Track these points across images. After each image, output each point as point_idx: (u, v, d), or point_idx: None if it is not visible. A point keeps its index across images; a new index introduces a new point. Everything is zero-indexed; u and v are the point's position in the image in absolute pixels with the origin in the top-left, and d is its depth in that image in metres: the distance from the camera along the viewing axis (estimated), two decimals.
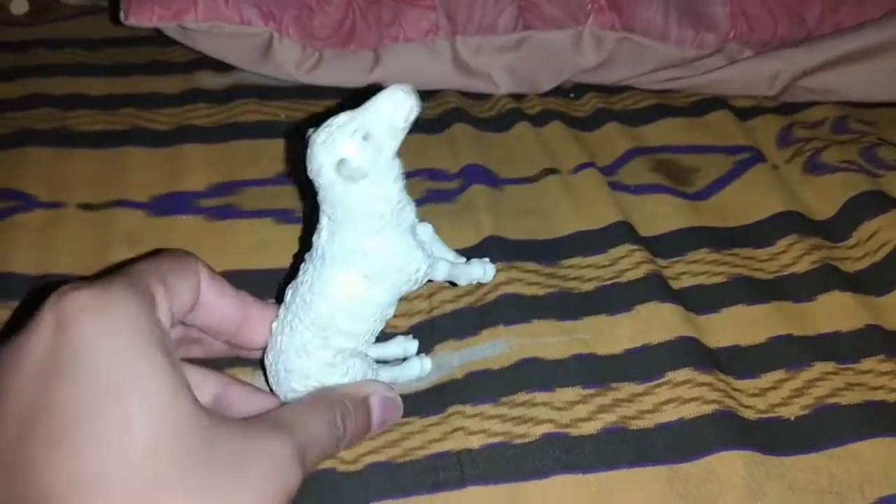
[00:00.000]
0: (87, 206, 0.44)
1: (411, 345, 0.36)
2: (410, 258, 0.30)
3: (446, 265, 0.33)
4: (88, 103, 0.52)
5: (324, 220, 0.30)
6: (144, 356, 0.23)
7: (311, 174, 0.29)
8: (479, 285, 0.39)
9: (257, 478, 0.24)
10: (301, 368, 0.30)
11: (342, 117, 0.28)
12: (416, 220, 0.31)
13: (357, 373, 0.31)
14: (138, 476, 0.22)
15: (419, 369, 0.35)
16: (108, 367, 0.23)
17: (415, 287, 0.31)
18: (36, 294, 0.27)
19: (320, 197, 0.29)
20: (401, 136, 0.29)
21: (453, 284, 0.36)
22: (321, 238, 0.30)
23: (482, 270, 0.34)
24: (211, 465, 0.23)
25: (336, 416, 0.28)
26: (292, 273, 0.32)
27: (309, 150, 0.28)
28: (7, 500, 0.22)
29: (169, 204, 0.44)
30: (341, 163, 0.27)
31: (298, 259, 0.32)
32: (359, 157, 0.28)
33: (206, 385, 0.30)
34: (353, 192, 0.28)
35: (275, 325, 0.31)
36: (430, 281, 0.33)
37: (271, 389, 0.32)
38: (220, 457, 0.23)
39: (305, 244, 0.32)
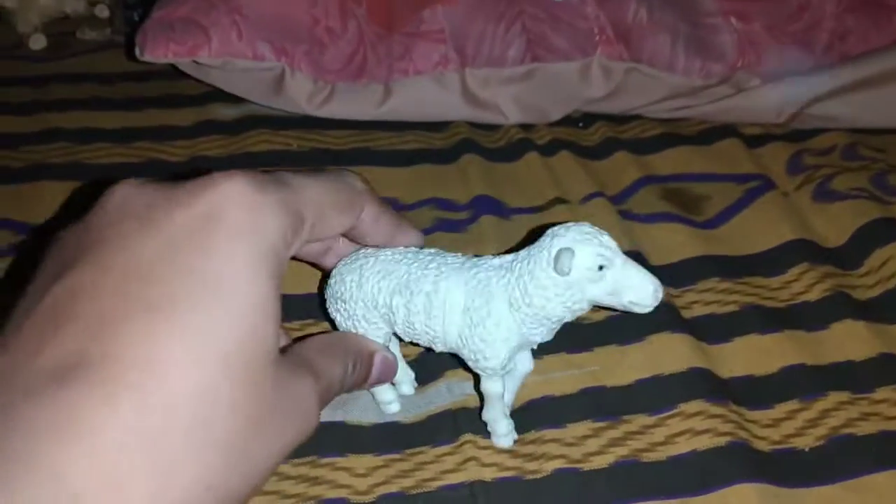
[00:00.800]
0: None
1: (409, 388, 0.37)
2: (495, 347, 0.30)
3: (499, 388, 0.32)
4: (103, 137, 0.53)
5: (507, 259, 0.31)
6: (261, 275, 0.24)
7: (550, 235, 0.29)
8: None
9: (287, 422, 0.24)
10: (363, 279, 0.32)
11: (613, 241, 0.29)
12: (528, 351, 0.33)
13: (374, 334, 0.32)
14: (199, 378, 0.22)
15: (388, 401, 0.35)
16: (228, 268, 0.23)
17: (469, 363, 0.32)
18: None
19: (533, 249, 0.30)
20: (612, 302, 0.29)
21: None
22: (491, 261, 0.31)
23: (504, 432, 0.34)
24: (261, 398, 0.23)
25: (349, 364, 0.29)
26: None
27: (575, 226, 0.29)
28: (83, 340, 0.22)
29: None
30: (569, 253, 0.28)
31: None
32: (579, 269, 0.28)
33: None
34: (544, 273, 0.29)
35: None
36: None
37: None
38: (270, 393, 0.24)
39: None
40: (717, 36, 0.52)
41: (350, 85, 0.52)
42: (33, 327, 0.22)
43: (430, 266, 0.31)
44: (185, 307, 0.22)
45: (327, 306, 0.34)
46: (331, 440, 0.34)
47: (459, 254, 0.32)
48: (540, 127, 0.54)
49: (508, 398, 0.34)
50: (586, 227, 0.29)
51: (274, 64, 0.50)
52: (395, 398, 0.35)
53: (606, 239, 0.29)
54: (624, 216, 0.46)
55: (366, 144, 0.52)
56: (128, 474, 0.20)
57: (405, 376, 0.36)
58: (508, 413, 0.34)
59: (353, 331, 0.33)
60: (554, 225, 0.30)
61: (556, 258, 0.28)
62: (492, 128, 0.54)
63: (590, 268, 0.28)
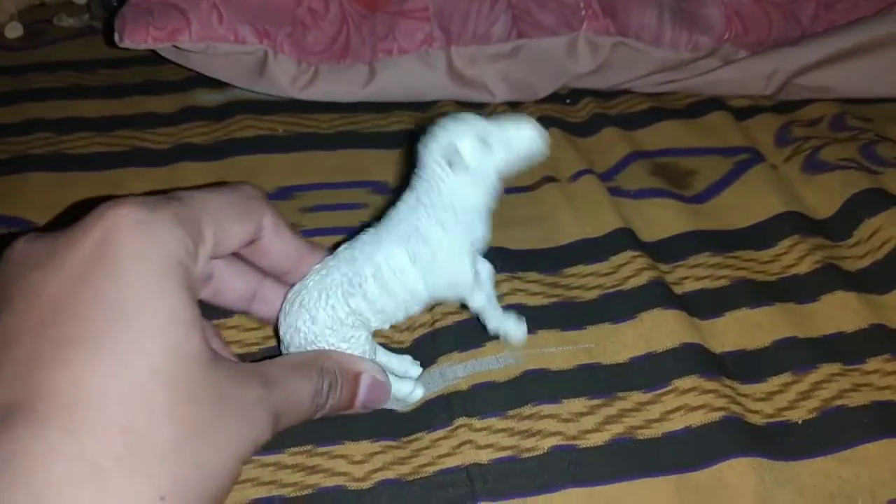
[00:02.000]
0: None
1: (414, 369, 0.36)
2: (459, 268, 0.32)
3: (483, 298, 0.34)
4: (84, 126, 0.52)
5: (409, 198, 0.32)
6: (169, 287, 0.24)
7: (423, 149, 0.31)
8: None
9: (236, 426, 0.25)
10: (313, 310, 0.31)
11: (478, 119, 0.31)
12: (482, 248, 0.33)
13: (357, 346, 0.32)
14: (131, 396, 0.22)
15: (408, 392, 0.35)
16: (134, 287, 0.24)
17: (449, 297, 0.34)
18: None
19: (417, 174, 0.32)
20: (513, 164, 0.32)
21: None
22: (398, 210, 0.32)
23: (515, 327, 0.35)
24: (200, 402, 0.24)
25: (323, 385, 0.29)
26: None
27: (434, 129, 0.31)
28: (11, 387, 0.22)
29: None
30: (454, 150, 0.30)
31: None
32: (470, 154, 0.30)
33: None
34: (448, 182, 0.31)
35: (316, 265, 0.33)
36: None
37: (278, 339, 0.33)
38: (210, 397, 0.24)
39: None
40: (703, 8, 0.52)
41: (334, 66, 0.51)
42: None
43: (356, 254, 0.32)
44: (102, 334, 0.23)
45: (296, 329, 0.32)
46: (327, 428, 0.34)
47: (364, 231, 0.33)
48: (527, 104, 0.54)
49: (493, 303, 0.35)
50: (446, 123, 0.31)
51: (256, 47, 0.49)
52: (412, 386, 0.35)
53: (473, 117, 0.31)
54: (613, 193, 0.46)
55: (352, 127, 0.52)
56: None
57: (403, 364, 0.36)
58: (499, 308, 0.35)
59: (335, 345, 0.32)
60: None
61: (449, 161, 0.30)
62: (479, 106, 0.54)
63: (477, 150, 0.30)
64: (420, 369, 0.36)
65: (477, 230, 0.32)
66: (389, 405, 0.35)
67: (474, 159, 0.31)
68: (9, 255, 0.26)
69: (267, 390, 0.26)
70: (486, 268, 0.35)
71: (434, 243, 0.31)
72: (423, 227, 0.31)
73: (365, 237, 0.33)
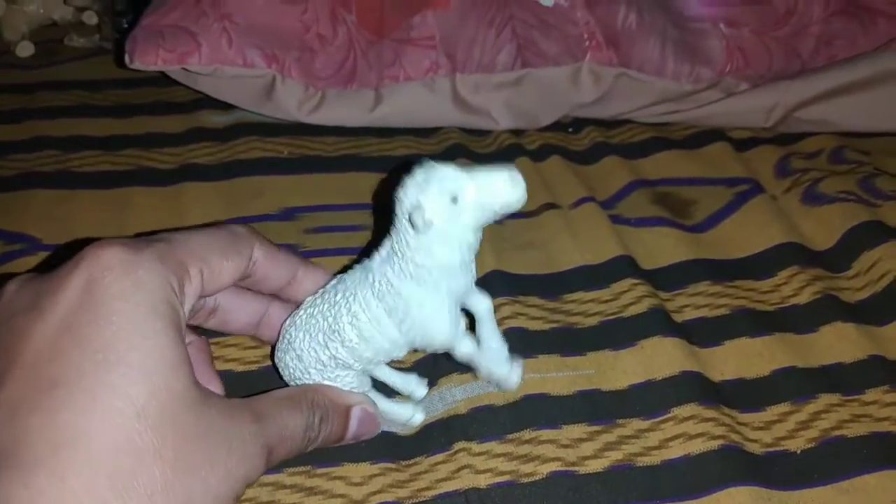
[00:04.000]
0: None
1: (420, 389, 0.36)
2: (436, 323, 0.30)
3: (470, 346, 0.32)
4: (91, 144, 0.52)
5: (386, 245, 0.31)
6: (154, 329, 0.24)
7: (395, 199, 0.29)
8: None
9: (225, 462, 0.25)
10: (298, 349, 0.31)
11: (449, 169, 0.28)
12: (470, 290, 0.31)
13: (345, 384, 0.32)
14: (117, 438, 0.23)
15: (408, 417, 0.35)
16: (120, 330, 0.24)
17: (429, 349, 0.32)
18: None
19: (394, 222, 0.30)
20: (489, 217, 0.29)
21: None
22: (375, 258, 0.31)
23: (507, 371, 0.33)
24: (189, 441, 0.24)
25: (314, 419, 0.29)
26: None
27: (405, 180, 0.29)
28: (2, 436, 0.22)
29: None
30: (417, 209, 0.28)
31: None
32: (436, 214, 0.28)
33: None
34: (415, 239, 0.29)
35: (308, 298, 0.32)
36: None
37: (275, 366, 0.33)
38: (199, 435, 0.24)
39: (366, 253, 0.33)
40: (705, 41, 0.53)
41: (341, 91, 0.52)
42: None
43: (337, 297, 0.31)
44: (87, 378, 0.23)
45: (286, 365, 0.33)
46: (327, 449, 0.34)
47: (356, 265, 0.32)
48: (530, 132, 0.54)
49: (496, 340, 0.33)
50: (416, 175, 0.29)
51: (264, 71, 0.50)
52: (412, 411, 0.35)
53: (444, 170, 0.28)
54: (614, 221, 0.46)
55: (357, 151, 0.52)
56: None
57: (409, 384, 0.36)
58: (507, 356, 0.33)
59: (323, 381, 0.32)
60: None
61: (412, 221, 0.28)
62: (482, 133, 0.54)
63: (444, 208, 0.28)
64: (426, 388, 0.36)
65: (457, 282, 0.30)
66: (390, 429, 0.35)
67: (440, 218, 0.28)
68: None
69: (259, 425, 0.27)
70: (484, 304, 0.33)
71: (407, 297, 0.30)
72: (396, 279, 0.30)
73: (351, 275, 0.32)
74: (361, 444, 0.33)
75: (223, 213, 0.47)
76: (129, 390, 0.23)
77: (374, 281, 0.30)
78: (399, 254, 0.30)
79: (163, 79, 0.54)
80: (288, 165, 0.51)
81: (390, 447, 0.34)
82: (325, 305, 0.31)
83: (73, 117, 0.55)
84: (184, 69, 0.50)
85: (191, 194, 0.48)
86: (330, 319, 0.31)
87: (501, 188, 0.28)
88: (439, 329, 0.30)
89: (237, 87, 0.52)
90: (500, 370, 0.33)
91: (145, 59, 0.49)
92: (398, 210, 0.29)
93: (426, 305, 0.30)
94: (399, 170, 0.30)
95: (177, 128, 0.54)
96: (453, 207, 0.28)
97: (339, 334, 0.31)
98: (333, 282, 0.32)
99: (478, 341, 0.33)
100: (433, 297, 0.30)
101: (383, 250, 0.31)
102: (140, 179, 0.50)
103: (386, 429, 0.34)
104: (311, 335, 0.31)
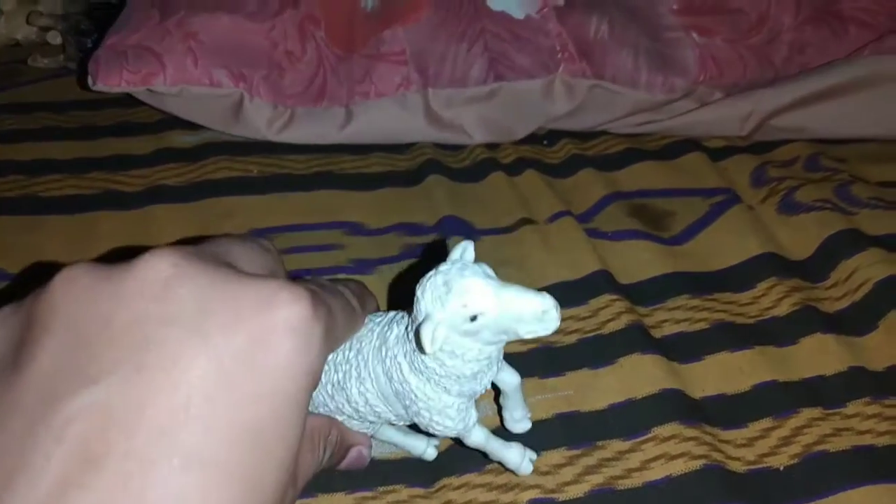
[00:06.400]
0: None
1: (430, 451, 0.34)
2: (442, 418, 0.28)
3: (479, 438, 0.29)
4: (57, 168, 0.51)
5: (403, 323, 0.28)
6: (301, 405, 0.23)
7: (417, 287, 0.26)
8: None
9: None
10: (324, 392, 0.30)
11: (474, 281, 0.25)
12: (504, 365, 0.29)
13: (352, 425, 0.31)
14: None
15: (421, 451, 0.34)
16: (276, 415, 0.22)
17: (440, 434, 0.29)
18: None
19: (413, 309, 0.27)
20: (511, 339, 0.26)
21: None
22: (394, 328, 0.28)
23: (519, 460, 0.30)
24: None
25: (325, 456, 0.29)
26: None
27: (424, 281, 0.26)
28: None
29: None
30: (424, 329, 0.25)
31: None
32: (447, 340, 0.25)
33: None
34: (432, 357, 0.26)
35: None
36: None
37: None
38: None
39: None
40: (678, 50, 0.53)
41: (310, 109, 0.51)
42: None
43: (350, 355, 0.29)
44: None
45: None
46: None
47: (374, 322, 0.29)
48: (505, 146, 0.54)
49: (521, 414, 0.31)
50: (442, 276, 0.25)
51: (231, 90, 0.49)
52: (425, 445, 0.34)
53: (469, 282, 0.25)
54: (591, 235, 0.46)
55: (329, 168, 0.52)
56: None
57: (417, 448, 0.34)
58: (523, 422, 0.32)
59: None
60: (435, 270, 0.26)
61: (416, 340, 0.25)
62: (456, 148, 0.54)
63: (459, 324, 0.25)
64: (436, 452, 0.34)
65: (470, 386, 0.27)
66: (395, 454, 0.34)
67: (451, 343, 0.25)
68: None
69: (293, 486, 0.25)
70: (513, 383, 0.30)
71: (413, 388, 0.27)
72: (406, 366, 0.27)
73: (371, 334, 0.29)
74: (339, 472, 0.33)
75: (193, 236, 0.46)
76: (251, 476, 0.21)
77: (385, 356, 0.28)
78: (412, 342, 0.27)
79: (129, 99, 0.53)
80: (259, 185, 0.50)
81: (368, 475, 0.33)
82: (339, 356, 0.29)
83: (38, 140, 0.54)
84: (149, 90, 0.49)
85: (160, 217, 0.47)
86: (340, 374, 0.29)
87: (530, 317, 0.25)
88: (446, 424, 0.28)
89: (204, 108, 0.51)
90: (513, 459, 0.31)
91: (108, 80, 0.48)
92: (415, 306, 0.26)
93: (434, 401, 0.28)
94: (431, 250, 0.27)
95: (144, 149, 0.53)
96: (471, 325, 0.25)
97: (346, 393, 0.29)
98: (354, 340, 0.29)
99: (500, 407, 0.32)
100: (442, 396, 0.28)
101: (401, 326, 0.28)
102: (107, 203, 0.48)
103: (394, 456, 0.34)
104: (321, 382, 0.29)
